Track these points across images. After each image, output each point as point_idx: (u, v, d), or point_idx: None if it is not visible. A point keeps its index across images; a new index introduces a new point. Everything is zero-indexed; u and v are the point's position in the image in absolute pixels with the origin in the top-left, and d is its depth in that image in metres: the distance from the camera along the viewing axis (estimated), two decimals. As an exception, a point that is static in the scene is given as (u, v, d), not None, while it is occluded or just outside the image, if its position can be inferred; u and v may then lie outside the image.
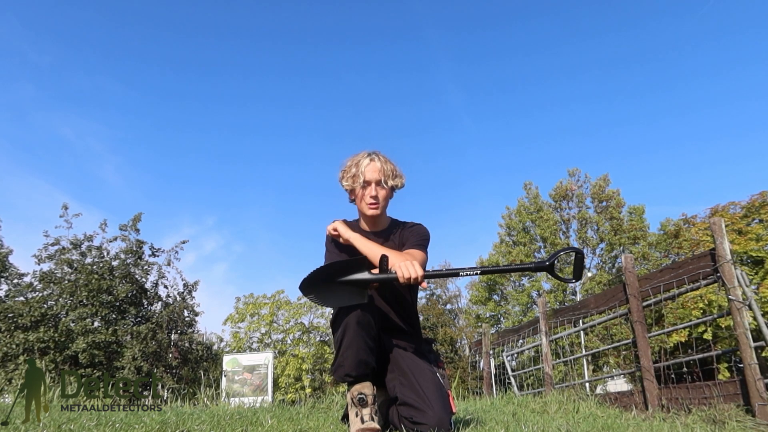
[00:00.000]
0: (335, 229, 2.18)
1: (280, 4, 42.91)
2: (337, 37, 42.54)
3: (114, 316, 12.40)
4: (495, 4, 40.10)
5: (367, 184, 2.19)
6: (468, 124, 41.33)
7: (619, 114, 36.32)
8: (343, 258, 2.16)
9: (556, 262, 1.96)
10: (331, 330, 2.06)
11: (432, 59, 41.41)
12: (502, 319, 21.06)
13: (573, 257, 2.04)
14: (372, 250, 2.06)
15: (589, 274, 19.63)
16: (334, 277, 1.89)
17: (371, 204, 2.20)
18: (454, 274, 1.96)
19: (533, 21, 37.87)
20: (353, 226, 2.33)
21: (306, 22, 41.17)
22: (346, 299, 1.91)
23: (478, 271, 1.94)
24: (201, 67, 39.38)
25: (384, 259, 1.90)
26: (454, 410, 2.11)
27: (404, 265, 1.88)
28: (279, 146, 42.85)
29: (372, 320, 1.98)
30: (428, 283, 2.01)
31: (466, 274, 1.94)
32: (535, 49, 38.07)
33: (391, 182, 2.22)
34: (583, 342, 11.29)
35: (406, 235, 2.30)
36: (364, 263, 1.92)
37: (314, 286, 1.91)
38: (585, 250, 20.32)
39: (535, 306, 19.16)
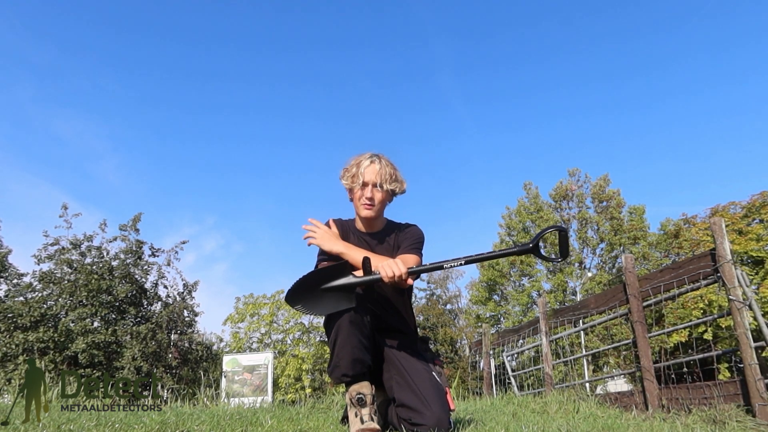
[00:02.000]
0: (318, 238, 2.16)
1: (282, 9, 42.92)
2: (339, 42, 42.56)
3: (114, 316, 12.40)
4: (497, 10, 40.08)
5: (364, 185, 2.21)
6: (468, 124, 41.37)
7: (619, 114, 36.36)
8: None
9: (541, 242, 1.95)
10: (325, 332, 2.06)
11: (434, 59, 41.43)
12: (502, 319, 21.06)
13: (558, 236, 2.02)
14: (356, 255, 2.05)
15: (589, 274, 19.63)
16: (318, 285, 1.89)
17: (366, 205, 2.21)
18: (439, 267, 1.94)
19: (534, 25, 37.88)
20: (349, 225, 2.34)
21: (308, 28, 41.20)
22: (333, 305, 1.90)
23: (462, 261, 1.91)
24: (201, 66, 39.39)
25: (366, 260, 1.90)
26: (452, 408, 2.11)
27: (387, 264, 1.89)
28: (279, 146, 42.87)
29: (365, 319, 1.98)
30: (427, 283, 2.01)
31: (451, 266, 1.92)
32: (536, 49, 38.09)
33: (388, 186, 2.22)
34: (583, 342, 11.30)
35: (400, 237, 2.31)
36: (347, 267, 1.91)
37: (300, 296, 1.90)
38: (585, 251, 20.32)
39: (535, 306, 19.16)
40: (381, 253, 2.25)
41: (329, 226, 2.28)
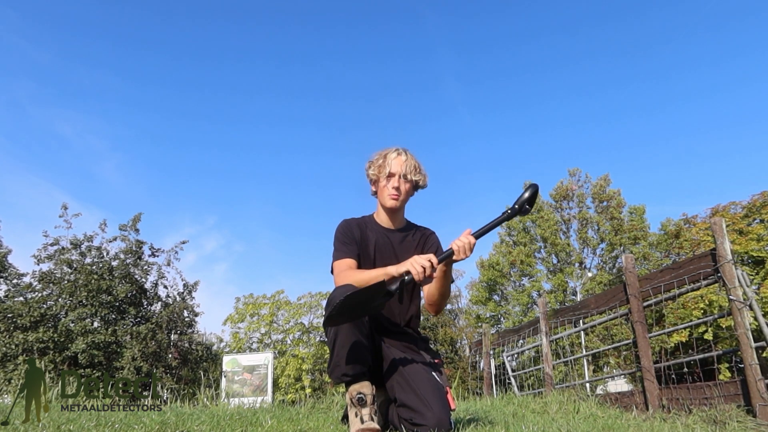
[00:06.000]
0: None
1: (282, 12, 42.93)
2: (341, 46, 42.57)
3: (113, 316, 12.40)
4: (499, 11, 40.09)
5: (391, 175, 2.24)
6: (469, 124, 41.37)
7: (619, 114, 36.36)
8: (353, 250, 2.18)
9: (526, 205, 2.04)
10: (324, 332, 2.05)
11: (436, 58, 41.42)
12: (502, 319, 21.06)
13: (530, 191, 2.06)
14: (378, 275, 2.01)
15: (590, 274, 19.63)
16: (358, 305, 1.87)
17: (392, 195, 2.24)
18: (449, 254, 1.97)
19: (536, 25, 37.90)
20: (367, 222, 2.33)
21: (304, 17, 41.21)
22: (361, 312, 1.93)
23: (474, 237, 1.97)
24: (202, 65, 39.41)
25: (400, 278, 1.93)
26: (453, 407, 2.10)
27: (413, 262, 1.91)
28: (280, 146, 42.86)
29: (363, 318, 1.98)
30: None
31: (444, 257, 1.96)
32: (537, 49, 38.09)
33: (413, 176, 2.26)
34: (583, 342, 11.30)
35: (427, 243, 2.33)
36: (383, 286, 1.91)
37: (338, 318, 1.89)
38: (585, 250, 20.31)
39: (535, 306, 19.16)
40: (402, 251, 2.26)
41: (343, 230, 2.26)
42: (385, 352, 2.19)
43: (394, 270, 1.98)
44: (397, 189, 2.23)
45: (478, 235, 1.97)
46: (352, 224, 2.29)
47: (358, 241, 2.23)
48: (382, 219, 2.33)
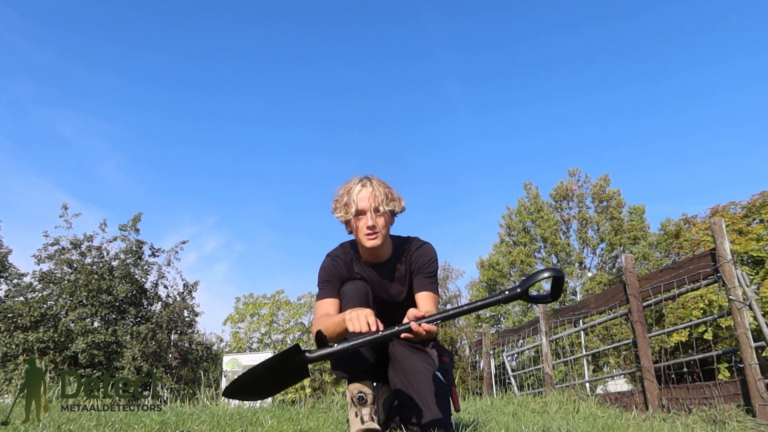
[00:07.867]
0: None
1: (278, 16, 42.92)
2: (334, 28, 42.48)
3: (114, 316, 12.42)
4: (500, 11, 40.04)
5: (361, 213, 1.98)
6: (469, 124, 41.35)
7: (619, 114, 36.35)
8: (335, 288, 2.02)
9: (531, 288, 1.67)
10: None
11: (437, 59, 41.41)
12: (502, 319, 21.06)
13: (552, 281, 1.70)
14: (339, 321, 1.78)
15: (590, 274, 19.63)
16: (273, 375, 1.67)
17: (369, 234, 1.98)
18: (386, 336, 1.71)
19: (537, 27, 37.88)
20: (354, 255, 2.17)
21: (304, 17, 41.19)
22: (282, 384, 1.73)
23: (439, 317, 1.71)
24: (202, 64, 39.37)
25: (319, 334, 1.67)
26: (457, 407, 2.09)
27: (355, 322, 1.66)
28: (280, 145, 42.85)
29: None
30: None
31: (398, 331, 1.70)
32: (538, 50, 38.08)
33: (385, 207, 1.99)
34: (583, 342, 11.31)
35: (413, 259, 2.12)
36: (298, 349, 1.65)
37: (242, 390, 1.72)
38: (585, 251, 20.31)
39: (535, 306, 19.16)
40: (391, 289, 2.12)
41: (327, 268, 2.09)
42: (391, 350, 2.18)
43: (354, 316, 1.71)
44: (372, 228, 1.96)
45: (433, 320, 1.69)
46: (339, 264, 2.10)
47: (343, 278, 2.07)
48: (367, 256, 2.10)
